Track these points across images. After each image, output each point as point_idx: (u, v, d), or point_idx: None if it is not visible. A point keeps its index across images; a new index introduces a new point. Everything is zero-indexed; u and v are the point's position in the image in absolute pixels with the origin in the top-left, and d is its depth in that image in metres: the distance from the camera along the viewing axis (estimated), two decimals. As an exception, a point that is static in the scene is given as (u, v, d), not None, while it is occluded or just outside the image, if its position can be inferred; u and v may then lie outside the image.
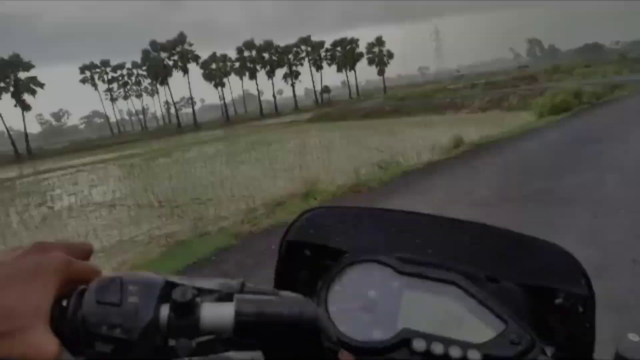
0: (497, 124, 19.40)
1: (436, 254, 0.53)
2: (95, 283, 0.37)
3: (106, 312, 0.35)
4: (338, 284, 0.52)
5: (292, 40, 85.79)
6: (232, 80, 79.99)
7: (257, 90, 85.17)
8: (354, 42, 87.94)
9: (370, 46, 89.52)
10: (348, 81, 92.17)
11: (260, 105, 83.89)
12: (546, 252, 0.53)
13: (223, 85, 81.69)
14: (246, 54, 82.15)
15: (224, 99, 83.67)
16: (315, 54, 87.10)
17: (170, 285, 0.37)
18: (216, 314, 0.36)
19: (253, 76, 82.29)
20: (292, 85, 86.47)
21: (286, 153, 20.80)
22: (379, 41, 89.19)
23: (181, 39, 73.28)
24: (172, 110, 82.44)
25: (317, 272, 0.54)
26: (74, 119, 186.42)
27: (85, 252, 0.41)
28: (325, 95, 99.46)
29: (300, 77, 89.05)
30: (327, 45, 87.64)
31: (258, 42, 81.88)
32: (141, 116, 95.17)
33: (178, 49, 73.86)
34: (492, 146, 9.10)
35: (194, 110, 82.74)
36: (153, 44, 73.78)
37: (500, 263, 0.53)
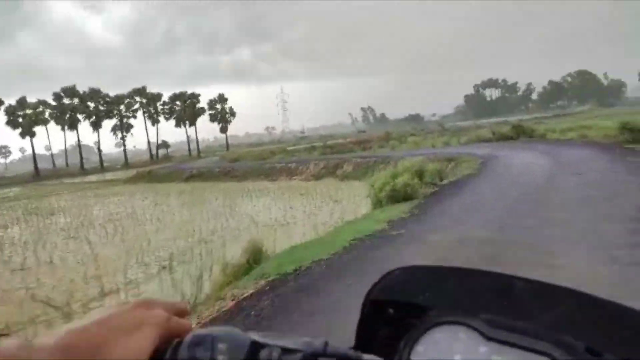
0: (329, 197, 16.70)
1: (528, 320, 0.47)
2: (188, 338, 0.40)
3: None
4: (421, 345, 0.48)
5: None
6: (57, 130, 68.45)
7: (78, 142, 74.30)
8: (195, 97, 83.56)
9: (213, 102, 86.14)
10: (188, 137, 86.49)
11: (82, 160, 72.90)
12: None
13: (33, 134, 69.20)
14: (68, 101, 71.58)
15: (33, 150, 70.94)
16: (151, 106, 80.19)
17: (255, 345, 0.39)
18: None
19: (73, 126, 71.57)
20: (122, 138, 77.67)
21: (55, 233, 15.08)
22: (222, 98, 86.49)
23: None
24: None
25: (400, 331, 0.51)
26: None
27: (182, 311, 0.46)
28: (163, 151, 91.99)
29: (133, 131, 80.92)
30: (166, 98, 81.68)
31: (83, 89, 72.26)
32: None
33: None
34: (303, 279, 5.12)
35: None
36: None
37: (602, 334, 0.46)
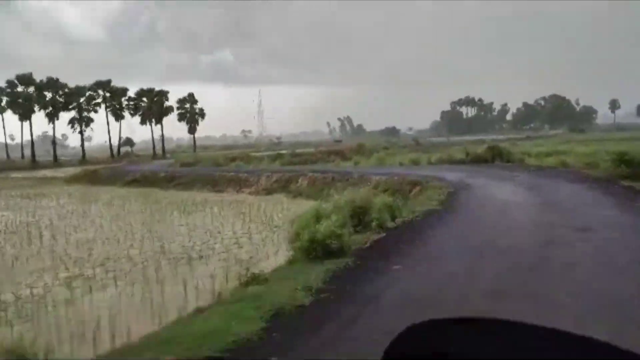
0: (270, 220, 13.98)
1: None
2: None
3: None
4: None
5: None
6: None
7: (31, 132, 69.52)
8: (163, 94, 79.49)
9: (182, 102, 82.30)
10: (153, 135, 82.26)
11: (33, 153, 68.13)
12: None
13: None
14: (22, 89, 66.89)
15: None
16: (116, 101, 75.80)
17: None
18: None
19: (26, 116, 66.84)
20: (81, 132, 73.15)
21: None
22: (191, 97, 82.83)
23: None
24: None
25: None
26: None
27: None
28: (126, 149, 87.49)
29: (102, 126, 76.46)
30: (132, 94, 77.30)
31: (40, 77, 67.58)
32: None
33: None
34: None
35: None
36: None
37: None
